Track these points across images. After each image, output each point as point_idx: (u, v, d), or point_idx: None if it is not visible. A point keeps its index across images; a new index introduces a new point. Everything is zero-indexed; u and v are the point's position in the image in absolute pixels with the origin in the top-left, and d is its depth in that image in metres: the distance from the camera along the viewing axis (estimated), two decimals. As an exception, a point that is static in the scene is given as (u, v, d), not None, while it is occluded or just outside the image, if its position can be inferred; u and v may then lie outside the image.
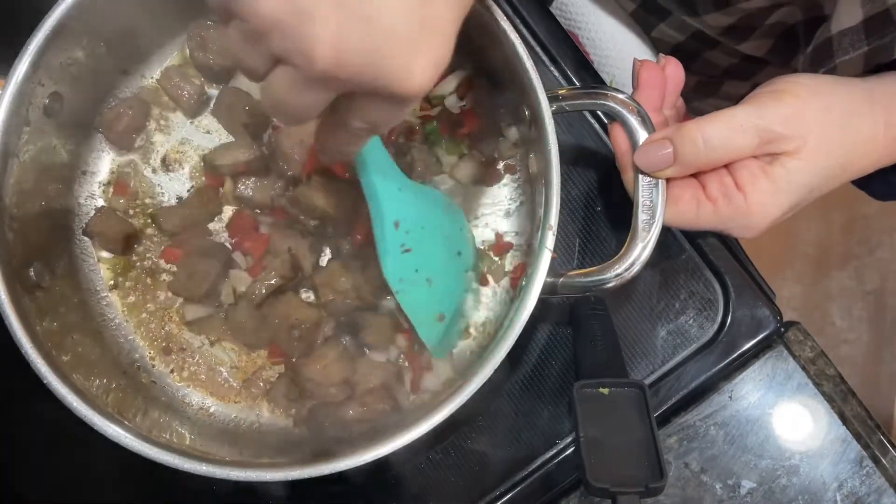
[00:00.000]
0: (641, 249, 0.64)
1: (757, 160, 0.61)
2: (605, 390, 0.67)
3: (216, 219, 0.79)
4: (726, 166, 0.62)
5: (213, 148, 0.78)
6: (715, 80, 0.99)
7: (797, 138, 0.59)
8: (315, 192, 0.73)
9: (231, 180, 0.77)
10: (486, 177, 0.79)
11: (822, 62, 0.66)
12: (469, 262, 0.76)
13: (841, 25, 0.64)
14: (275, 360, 0.77)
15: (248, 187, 0.76)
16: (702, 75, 0.98)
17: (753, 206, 0.60)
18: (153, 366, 0.77)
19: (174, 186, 0.79)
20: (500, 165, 0.79)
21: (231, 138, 0.79)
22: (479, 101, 0.79)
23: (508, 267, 0.77)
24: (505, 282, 0.77)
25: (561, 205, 0.65)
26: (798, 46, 0.81)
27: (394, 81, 0.45)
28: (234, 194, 0.77)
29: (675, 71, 0.67)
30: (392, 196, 0.68)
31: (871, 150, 0.62)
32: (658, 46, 0.95)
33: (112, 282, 0.78)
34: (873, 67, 0.64)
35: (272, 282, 0.73)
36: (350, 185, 0.73)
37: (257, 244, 0.76)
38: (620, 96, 0.65)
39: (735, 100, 0.60)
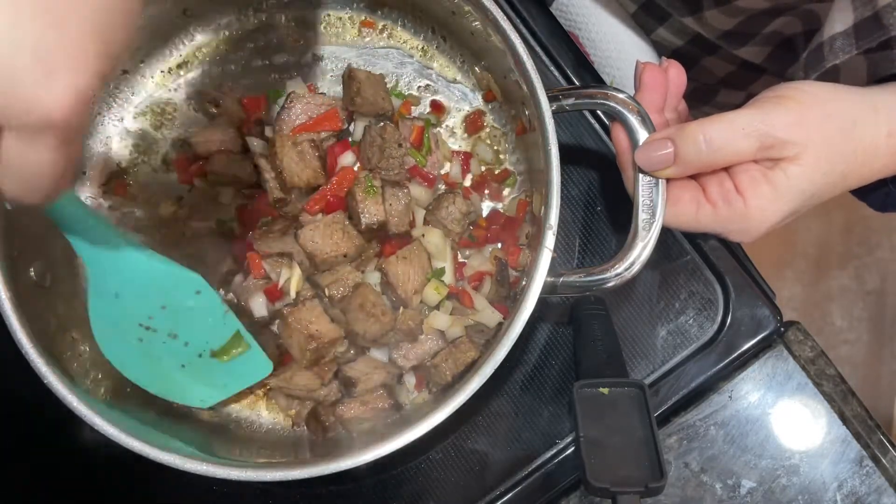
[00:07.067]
0: (642, 249, 0.64)
1: (758, 165, 0.61)
2: (605, 390, 0.67)
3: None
4: (727, 170, 0.62)
5: (194, 129, 0.78)
6: (711, 89, 0.99)
7: (798, 144, 0.59)
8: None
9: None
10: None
11: (815, 66, 0.66)
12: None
13: (833, 30, 0.64)
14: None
15: (219, 161, 0.76)
16: (698, 82, 0.98)
17: (753, 210, 0.60)
18: (153, 366, 0.77)
19: (174, 186, 0.79)
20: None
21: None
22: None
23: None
24: None
25: (561, 205, 0.65)
26: (796, 56, 0.81)
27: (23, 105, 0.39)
28: (208, 168, 0.76)
29: (677, 74, 0.67)
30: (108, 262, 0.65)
31: (873, 159, 0.62)
32: (657, 51, 0.95)
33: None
34: (877, 79, 0.64)
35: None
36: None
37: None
38: (621, 96, 0.65)
39: (729, 109, 0.60)
